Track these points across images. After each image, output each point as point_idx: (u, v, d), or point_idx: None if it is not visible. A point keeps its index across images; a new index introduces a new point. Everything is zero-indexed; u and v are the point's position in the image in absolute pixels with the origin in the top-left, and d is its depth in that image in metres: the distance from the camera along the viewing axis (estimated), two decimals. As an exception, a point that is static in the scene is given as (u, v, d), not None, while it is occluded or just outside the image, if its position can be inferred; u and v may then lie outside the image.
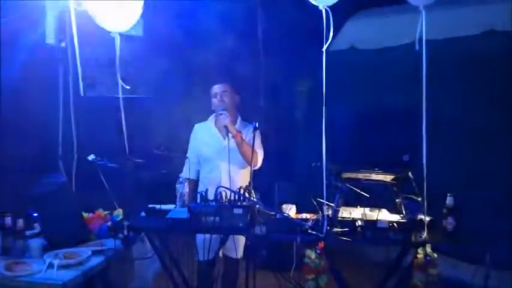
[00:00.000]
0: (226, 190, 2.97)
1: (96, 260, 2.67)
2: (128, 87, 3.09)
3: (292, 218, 2.99)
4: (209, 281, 3.37)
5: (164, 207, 3.24)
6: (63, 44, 3.61)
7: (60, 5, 3.26)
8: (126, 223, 2.88)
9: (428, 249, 2.77)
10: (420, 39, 2.67)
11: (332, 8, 2.74)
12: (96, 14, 3.01)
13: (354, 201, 3.14)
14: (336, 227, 2.87)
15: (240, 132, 3.39)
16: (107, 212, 3.22)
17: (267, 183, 3.29)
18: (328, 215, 2.88)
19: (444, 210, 2.92)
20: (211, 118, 3.61)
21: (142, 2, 3.04)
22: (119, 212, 3.19)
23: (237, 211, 2.86)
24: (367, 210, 3.09)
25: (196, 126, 3.68)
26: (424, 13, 2.65)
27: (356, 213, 3.08)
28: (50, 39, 3.58)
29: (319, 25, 2.74)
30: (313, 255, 2.77)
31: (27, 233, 2.87)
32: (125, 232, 2.87)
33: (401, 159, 2.93)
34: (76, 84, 3.24)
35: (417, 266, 2.79)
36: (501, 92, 4.11)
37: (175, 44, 4.88)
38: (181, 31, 4.85)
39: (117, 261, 2.99)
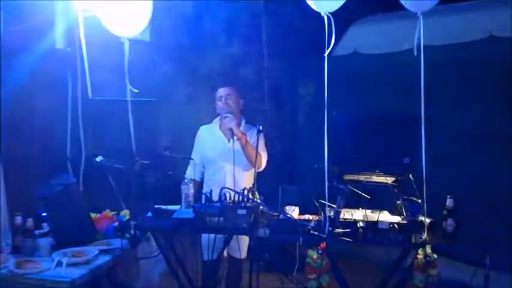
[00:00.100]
0: (231, 191, 3.01)
1: (103, 259, 2.71)
2: (137, 91, 3.16)
3: (295, 219, 3.03)
4: (214, 281, 3.41)
5: (170, 207, 3.29)
6: (68, 49, 3.69)
7: (69, 11, 3.33)
8: (133, 223, 2.93)
9: (428, 250, 2.80)
10: (418, 45, 2.73)
11: (336, 13, 2.78)
12: (106, 20, 3.09)
13: (355, 203, 3.17)
14: (338, 228, 2.91)
15: (245, 134, 3.44)
16: (113, 213, 3.26)
17: (270, 186, 3.32)
18: (330, 216, 2.92)
19: (444, 212, 2.94)
20: (216, 121, 3.66)
21: (151, 9, 3.11)
22: (125, 213, 3.24)
23: (241, 212, 2.90)
24: (368, 212, 3.11)
25: (202, 128, 3.71)
26: (422, 19, 2.71)
27: (358, 214, 3.11)
28: (60, 44, 3.66)
29: (322, 30, 2.79)
30: (315, 255, 2.82)
31: (37, 232, 2.91)
32: (132, 232, 2.91)
33: (402, 162, 2.96)
34: (84, 87, 3.30)
35: (417, 267, 2.81)
36: (501, 96, 4.13)
37: (181, 49, 4.94)
38: (188, 36, 4.91)
39: (124, 261, 3.05)
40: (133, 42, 3.20)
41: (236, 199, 3.01)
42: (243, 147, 3.41)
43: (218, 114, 3.58)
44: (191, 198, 3.26)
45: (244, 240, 3.49)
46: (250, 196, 3.01)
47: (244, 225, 2.90)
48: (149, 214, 3.21)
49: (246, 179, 3.46)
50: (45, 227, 3.02)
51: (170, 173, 3.43)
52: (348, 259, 3.32)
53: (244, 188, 3.04)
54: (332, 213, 2.97)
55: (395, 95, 4.57)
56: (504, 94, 4.10)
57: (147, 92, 3.46)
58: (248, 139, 3.46)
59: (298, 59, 5.63)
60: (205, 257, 3.32)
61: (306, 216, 3.14)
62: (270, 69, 5.78)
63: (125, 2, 3.02)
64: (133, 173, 3.21)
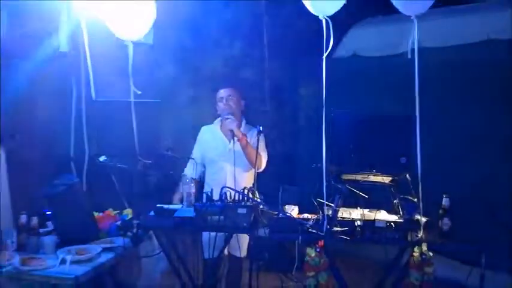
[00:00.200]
0: (231, 190, 3.06)
1: (106, 257, 2.75)
2: (140, 92, 3.22)
3: (294, 218, 3.07)
4: (214, 279, 3.45)
5: (172, 206, 3.33)
6: (72, 52, 3.75)
7: (73, 14, 3.39)
8: (135, 222, 2.99)
9: (424, 248, 2.86)
10: (413, 47, 2.79)
11: (336, 16, 2.83)
12: (110, 23, 3.15)
13: (353, 202, 3.21)
14: (336, 226, 2.95)
15: (245, 135, 3.47)
16: (116, 212, 3.30)
17: (271, 186, 3.35)
18: (328, 215, 2.97)
19: (440, 211, 2.99)
20: (217, 121, 3.70)
21: (155, 12, 3.17)
22: (128, 212, 3.28)
23: (241, 211, 2.93)
24: (366, 211, 3.15)
25: (203, 128, 3.76)
26: (416, 22, 2.76)
27: (355, 213, 3.15)
28: (64, 47, 3.73)
29: (323, 32, 2.84)
30: (313, 253, 2.87)
31: (41, 230, 2.95)
32: (134, 230, 2.96)
33: (399, 162, 3.02)
34: (88, 89, 3.36)
35: (413, 265, 2.88)
36: (498, 98, 4.17)
37: (183, 51, 4.99)
38: (190, 38, 4.96)
39: (126, 259, 3.10)
40: (136, 44, 3.27)
41: (236, 198, 3.05)
42: (244, 148, 3.45)
43: (220, 115, 3.62)
44: (192, 197, 3.30)
45: (244, 239, 3.54)
46: (251, 195, 3.05)
47: (245, 223, 2.94)
48: (151, 213, 3.24)
49: (247, 180, 3.49)
50: (50, 226, 3.05)
51: (171, 172, 3.48)
52: (346, 258, 3.37)
53: (245, 188, 3.08)
54: (330, 212, 3.01)
55: (395, 97, 4.61)
56: (502, 96, 4.14)
57: (150, 93, 3.51)
58: (249, 139, 3.50)
59: (299, 60, 5.66)
60: (206, 255, 3.36)
61: (305, 215, 3.18)
62: (271, 70, 5.82)
63: (129, 5, 3.08)
64: (136, 172, 3.26)
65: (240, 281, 3.69)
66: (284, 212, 3.11)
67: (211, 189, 3.12)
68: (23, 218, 2.85)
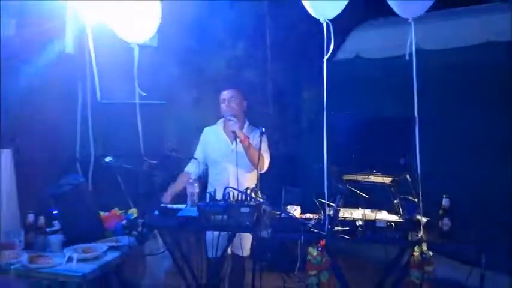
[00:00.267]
0: (234, 190, 3.09)
1: (111, 255, 2.79)
2: (144, 94, 3.27)
3: (296, 217, 3.10)
4: (218, 278, 3.49)
5: (176, 206, 3.38)
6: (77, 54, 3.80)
7: (79, 17, 3.45)
8: (140, 221, 3.03)
9: (425, 247, 2.89)
10: (411, 50, 2.84)
11: (338, 18, 2.87)
12: (116, 26, 3.21)
13: (354, 202, 3.25)
14: (337, 226, 2.99)
15: (248, 137, 3.51)
16: (122, 211, 3.34)
17: (273, 187, 3.38)
18: (329, 215, 3.00)
19: (440, 211, 3.02)
20: (220, 122, 3.74)
21: (160, 15, 3.22)
22: (133, 211, 3.32)
23: (244, 210, 2.96)
24: (367, 211, 3.19)
25: (206, 129, 3.79)
26: (413, 25, 2.81)
27: (357, 213, 3.19)
28: (69, 49, 3.79)
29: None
30: (315, 253, 2.92)
31: (48, 229, 2.98)
32: (139, 229, 3.01)
33: (398, 163, 3.06)
34: (93, 91, 3.41)
35: (414, 264, 2.91)
36: (497, 100, 4.21)
37: (187, 53, 5.04)
38: (193, 40, 5.01)
39: (131, 257, 3.14)
40: (141, 47, 3.32)
41: (239, 198, 3.08)
42: (246, 150, 3.48)
43: (223, 116, 3.66)
44: (196, 197, 3.34)
45: (247, 239, 3.58)
46: (253, 195, 3.09)
47: (247, 223, 2.97)
48: (156, 212, 3.28)
49: (249, 180, 3.52)
50: (56, 225, 3.09)
51: (176, 172, 3.52)
52: (347, 257, 3.40)
53: (247, 188, 3.12)
54: (331, 212, 3.05)
55: (397, 98, 4.64)
56: (501, 97, 4.17)
57: (155, 95, 3.57)
58: (251, 141, 3.53)
59: (302, 62, 5.70)
60: (210, 254, 3.40)
61: (307, 215, 3.21)
62: (273, 72, 5.86)
63: (135, 8, 3.13)
64: (141, 172, 3.31)
65: (243, 279, 3.73)
66: (286, 212, 3.15)
67: (215, 189, 3.16)
68: (31, 218, 2.89)
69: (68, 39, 3.83)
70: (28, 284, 2.85)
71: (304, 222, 3.02)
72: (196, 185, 3.36)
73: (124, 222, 3.17)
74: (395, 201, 3.19)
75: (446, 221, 3.01)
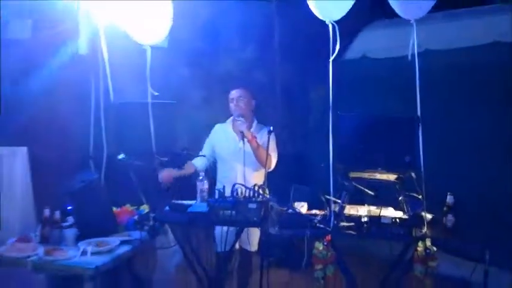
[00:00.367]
0: (242, 187, 3.17)
1: (124, 249, 2.89)
2: (156, 94, 3.37)
3: (302, 214, 3.18)
4: (226, 271, 3.56)
5: (186, 202, 3.45)
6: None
7: (92, 19, 3.54)
8: (152, 215, 3.12)
9: (428, 243, 2.94)
10: (419, 50, 2.89)
11: (347, 19, 2.94)
12: (129, 29, 3.30)
13: (360, 199, 3.30)
14: (342, 222, 3.05)
15: (255, 137, 3.57)
16: (134, 207, 3.43)
17: (282, 185, 3.41)
18: (335, 211, 3.07)
19: (444, 208, 3.08)
20: (230, 120, 3.80)
21: (172, 17, 3.31)
22: (144, 207, 3.40)
23: (252, 206, 3.03)
24: (373, 207, 3.25)
25: (216, 126, 3.87)
26: (415, 26, 2.86)
27: (362, 210, 3.25)
28: (83, 51, 3.89)
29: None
30: (320, 247, 2.99)
31: (63, 224, 3.07)
32: (151, 223, 3.10)
33: (404, 160, 3.11)
34: (106, 91, 3.50)
35: (417, 259, 2.96)
36: (503, 100, 4.25)
37: (197, 53, 5.12)
38: (203, 41, 5.09)
39: (142, 251, 3.24)
40: (152, 48, 3.41)
41: (247, 194, 3.14)
42: (254, 150, 3.53)
43: (232, 115, 3.73)
44: (205, 194, 3.42)
45: (255, 234, 3.65)
46: (261, 192, 3.16)
47: (255, 218, 3.03)
48: (167, 208, 3.37)
49: (257, 179, 3.56)
50: (70, 220, 3.15)
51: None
52: (352, 253, 3.44)
53: (255, 184, 3.18)
54: (337, 208, 3.11)
55: (403, 97, 4.68)
56: (507, 97, 4.20)
57: (166, 95, 3.66)
58: (259, 139, 3.58)
59: (310, 61, 5.73)
60: (219, 249, 3.48)
61: (313, 211, 3.28)
62: (282, 72, 5.93)
63: (147, 10, 3.22)
64: (152, 170, 3.40)
65: (250, 273, 3.79)
66: (293, 208, 3.22)
67: (224, 186, 3.24)
68: (47, 212, 2.98)
69: (81, 41, 3.93)
70: (44, 276, 2.96)
71: (310, 218, 3.10)
72: (205, 181, 3.44)
73: (136, 217, 3.25)
74: (400, 198, 3.23)
75: (450, 217, 3.06)
